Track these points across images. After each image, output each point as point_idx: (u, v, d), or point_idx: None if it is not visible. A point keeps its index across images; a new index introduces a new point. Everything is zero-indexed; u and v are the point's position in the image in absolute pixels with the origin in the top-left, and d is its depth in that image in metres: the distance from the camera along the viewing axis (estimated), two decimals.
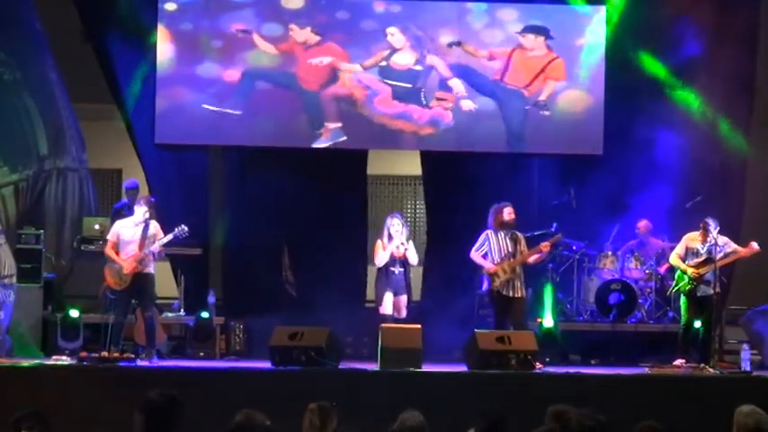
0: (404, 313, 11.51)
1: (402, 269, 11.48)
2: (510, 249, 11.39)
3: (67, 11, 13.87)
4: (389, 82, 13.76)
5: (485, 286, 11.62)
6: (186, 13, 13.79)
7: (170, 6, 13.73)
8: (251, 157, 13.96)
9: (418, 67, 13.79)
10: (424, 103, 13.75)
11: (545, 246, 11.54)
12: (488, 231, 11.46)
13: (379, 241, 11.62)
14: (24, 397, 9.65)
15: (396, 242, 11.42)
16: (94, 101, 14.36)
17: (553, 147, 13.82)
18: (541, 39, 13.88)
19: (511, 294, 11.36)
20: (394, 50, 13.81)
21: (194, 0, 13.84)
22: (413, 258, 11.55)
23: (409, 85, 13.77)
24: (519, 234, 11.54)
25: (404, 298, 11.51)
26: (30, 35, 13.79)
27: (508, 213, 11.45)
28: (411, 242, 11.64)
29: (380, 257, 11.51)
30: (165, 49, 13.72)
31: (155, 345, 11.42)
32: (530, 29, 13.89)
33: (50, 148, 13.79)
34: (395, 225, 11.49)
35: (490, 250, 11.40)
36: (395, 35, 13.83)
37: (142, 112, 13.79)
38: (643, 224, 13.48)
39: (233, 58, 13.78)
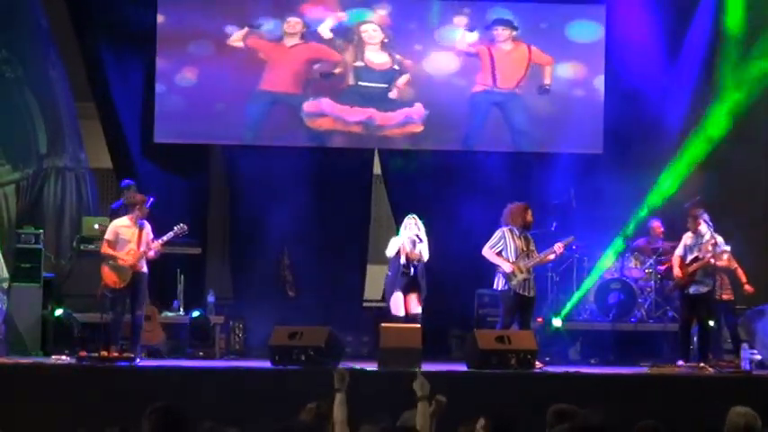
0: (414, 309, 11.45)
1: (413, 271, 11.45)
2: (524, 249, 11.27)
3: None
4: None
5: (500, 285, 11.26)
6: (185, 14, 13.78)
7: (168, 10, 13.74)
8: (251, 156, 13.96)
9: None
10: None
11: (559, 247, 11.39)
12: (504, 229, 11.27)
13: (395, 238, 11.62)
14: (24, 396, 9.68)
15: (409, 234, 11.41)
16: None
17: (554, 146, 13.80)
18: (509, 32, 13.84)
19: (527, 294, 11.27)
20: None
21: (193, 1, 13.87)
22: (426, 255, 11.48)
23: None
24: (529, 234, 11.46)
25: (414, 295, 11.47)
26: (33, 32, 13.75)
27: (531, 214, 11.36)
28: (425, 241, 11.53)
29: (391, 250, 11.52)
30: (164, 47, 13.71)
31: (139, 342, 11.38)
32: (500, 22, 13.83)
33: (49, 147, 13.78)
34: (408, 225, 11.50)
35: (506, 249, 11.20)
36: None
37: (141, 112, 13.78)
38: (657, 225, 13.40)
39: (232, 57, 13.76)
